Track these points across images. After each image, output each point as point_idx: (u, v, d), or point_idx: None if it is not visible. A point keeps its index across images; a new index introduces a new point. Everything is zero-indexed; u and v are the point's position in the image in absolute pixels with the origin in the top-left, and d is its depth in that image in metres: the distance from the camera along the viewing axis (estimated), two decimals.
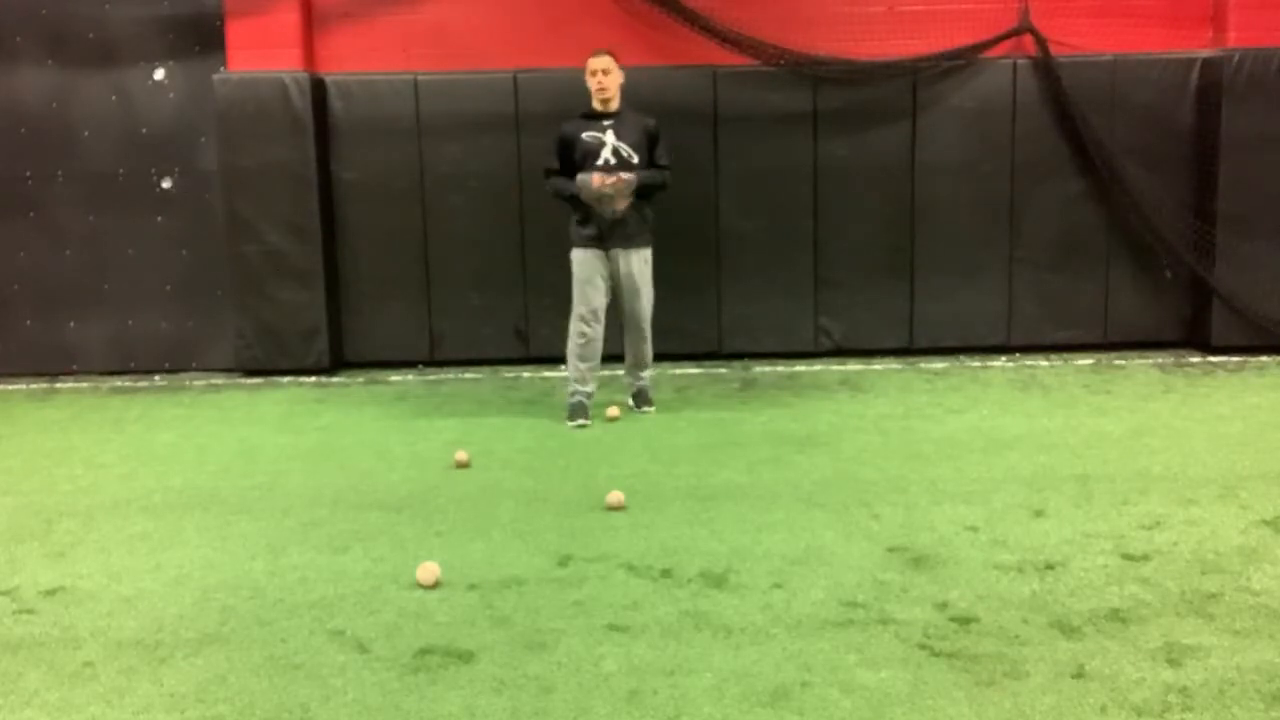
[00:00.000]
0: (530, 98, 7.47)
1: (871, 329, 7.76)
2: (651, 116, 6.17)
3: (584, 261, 6.11)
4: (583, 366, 6.16)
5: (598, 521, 4.33)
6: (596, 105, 6.07)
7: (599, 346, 6.19)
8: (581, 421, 6.03)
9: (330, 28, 7.63)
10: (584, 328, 6.14)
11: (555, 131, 6.15)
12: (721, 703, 2.85)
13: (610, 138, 6.00)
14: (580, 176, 5.94)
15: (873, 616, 3.36)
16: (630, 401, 6.41)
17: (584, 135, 6.02)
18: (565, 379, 7.03)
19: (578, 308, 6.14)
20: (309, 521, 4.43)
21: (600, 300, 6.13)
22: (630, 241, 6.08)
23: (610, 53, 6.06)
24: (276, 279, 7.47)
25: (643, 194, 6.07)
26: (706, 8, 7.39)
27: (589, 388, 6.20)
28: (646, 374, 6.41)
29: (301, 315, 7.52)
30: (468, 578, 3.76)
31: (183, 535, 4.31)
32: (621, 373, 6.86)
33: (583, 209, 6.06)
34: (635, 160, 6.00)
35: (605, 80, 6.00)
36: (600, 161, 5.98)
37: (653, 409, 6.33)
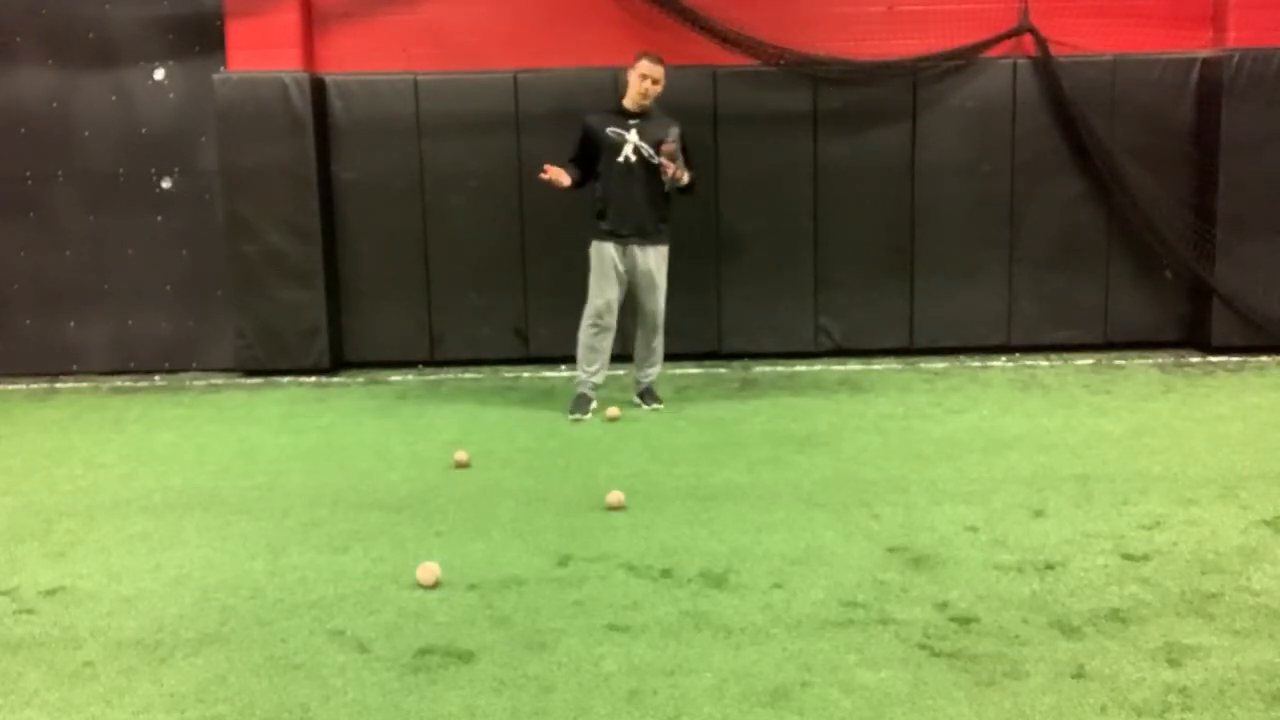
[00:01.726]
0: (530, 98, 7.46)
1: (871, 329, 7.76)
2: (676, 121, 6.21)
3: (600, 254, 6.18)
4: (592, 359, 6.25)
5: (598, 521, 4.33)
6: (630, 104, 6.12)
7: (610, 340, 6.27)
8: (578, 416, 6.10)
9: (330, 28, 7.63)
10: (596, 319, 6.22)
11: (580, 121, 6.20)
12: (721, 703, 2.85)
13: (633, 136, 6.07)
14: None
15: (873, 616, 3.36)
16: (636, 399, 6.43)
17: (608, 130, 6.09)
18: (567, 377, 7.06)
19: (592, 300, 6.22)
20: (309, 521, 4.43)
21: (614, 293, 6.18)
22: (648, 238, 6.16)
23: (662, 61, 6.09)
24: (276, 279, 7.47)
25: (685, 190, 6.17)
26: (706, 8, 7.39)
27: (596, 380, 6.26)
28: (654, 371, 6.44)
29: (301, 315, 7.52)
30: (468, 578, 3.76)
31: (183, 535, 4.32)
32: (623, 373, 6.88)
33: (601, 202, 6.13)
34: (655, 161, 6.05)
35: (654, 89, 6.08)
36: (620, 158, 6.05)
37: (662, 405, 6.35)
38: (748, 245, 7.63)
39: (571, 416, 6.12)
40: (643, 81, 6.06)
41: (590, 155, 6.15)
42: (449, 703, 2.89)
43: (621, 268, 6.17)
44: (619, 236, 6.13)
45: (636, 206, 6.08)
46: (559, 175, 6.04)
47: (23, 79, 7.61)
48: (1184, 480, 4.71)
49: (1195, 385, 6.68)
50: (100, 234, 7.72)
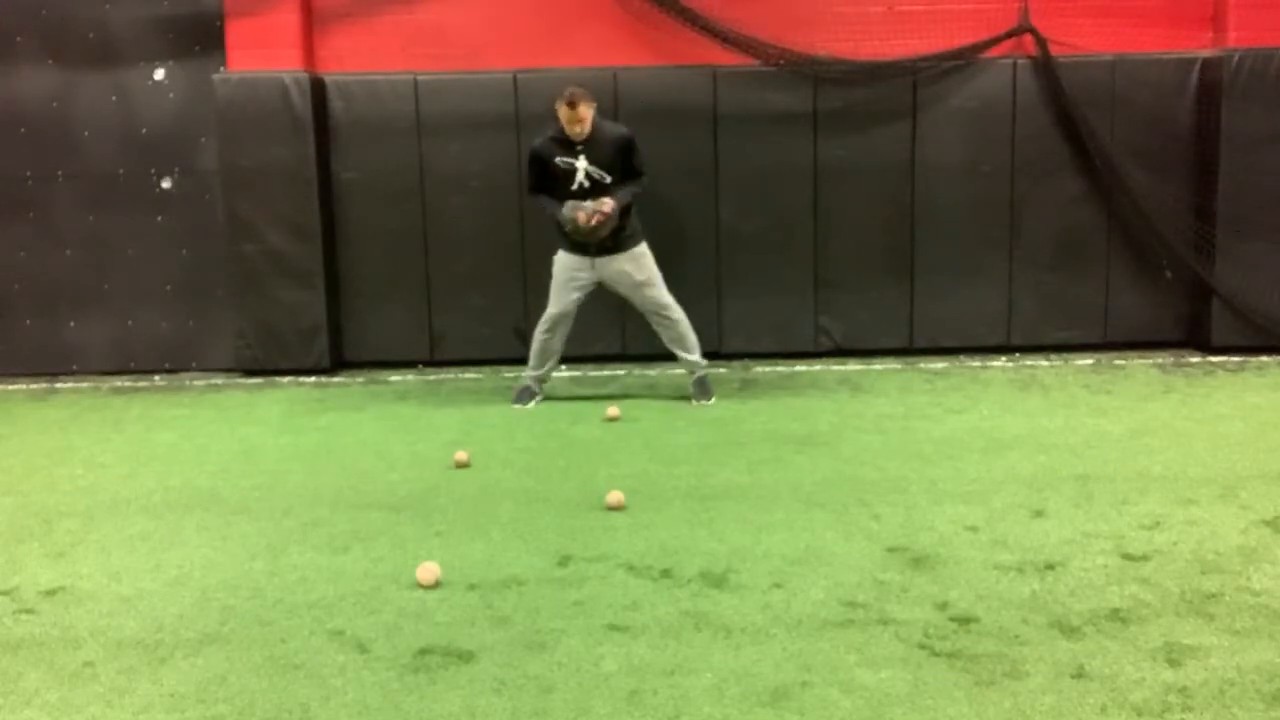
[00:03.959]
0: (530, 98, 7.46)
1: (871, 329, 7.76)
2: (623, 127, 6.25)
3: (563, 265, 6.34)
4: (541, 360, 6.46)
5: (598, 521, 4.33)
6: (570, 135, 6.11)
7: (557, 346, 6.46)
8: (519, 405, 6.39)
9: (330, 28, 7.62)
10: (544, 330, 6.42)
11: (529, 149, 6.27)
12: (721, 703, 2.85)
13: (582, 162, 6.10)
14: (565, 212, 6.06)
15: (873, 616, 3.36)
16: (691, 392, 6.46)
17: (557, 160, 6.13)
18: (566, 377, 7.09)
19: (549, 308, 6.40)
20: (309, 521, 4.43)
21: (566, 306, 6.33)
22: (612, 251, 6.22)
23: (584, 100, 5.98)
24: (276, 279, 7.47)
25: (625, 211, 6.19)
26: (706, 8, 7.39)
27: (539, 372, 6.48)
28: (695, 358, 6.44)
29: (301, 315, 7.52)
30: (468, 578, 3.76)
31: (183, 535, 4.32)
32: (623, 373, 6.90)
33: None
34: (608, 180, 6.10)
35: (580, 128, 6.04)
36: (574, 186, 6.10)
37: (710, 401, 6.38)
38: (748, 245, 7.63)
39: (513, 405, 6.40)
40: (569, 126, 6.04)
41: (547, 180, 6.20)
42: (449, 703, 2.89)
43: (589, 277, 6.28)
44: (585, 252, 6.22)
45: (600, 227, 6.09)
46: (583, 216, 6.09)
47: (23, 79, 7.61)
48: (1184, 480, 4.71)
49: (1195, 385, 6.68)
50: (100, 234, 7.71)
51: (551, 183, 6.18)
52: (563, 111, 6.01)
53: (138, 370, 7.84)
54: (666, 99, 7.32)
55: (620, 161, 6.13)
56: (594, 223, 6.01)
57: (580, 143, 6.09)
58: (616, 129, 6.20)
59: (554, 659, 3.13)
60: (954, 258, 7.66)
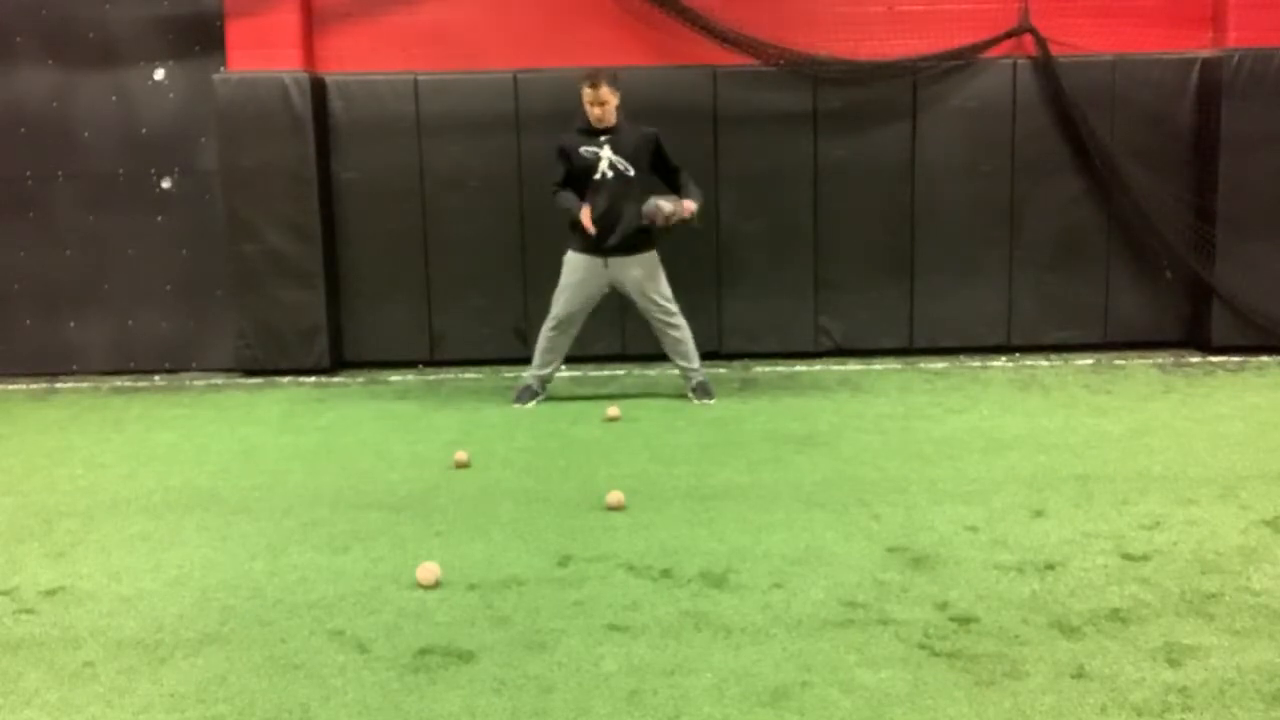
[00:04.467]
0: (530, 98, 7.47)
1: (871, 329, 7.76)
2: (650, 126, 6.23)
3: (574, 267, 6.29)
4: (547, 359, 6.42)
5: (598, 521, 4.33)
6: (594, 123, 6.14)
7: (564, 347, 6.42)
8: (519, 404, 6.36)
9: (330, 28, 7.63)
10: (552, 329, 6.36)
11: (554, 143, 6.28)
12: (721, 703, 2.85)
13: (606, 151, 6.10)
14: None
15: (873, 616, 3.36)
16: (690, 396, 6.45)
17: (581, 150, 6.14)
18: (566, 377, 7.09)
19: (554, 308, 6.34)
20: (309, 521, 4.43)
21: (575, 307, 6.29)
22: (631, 250, 6.19)
23: (606, 80, 6.04)
24: (276, 279, 7.47)
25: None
26: (706, 8, 7.39)
27: (544, 372, 6.44)
28: (694, 366, 6.45)
29: (301, 315, 7.52)
30: (468, 578, 3.76)
31: (183, 535, 4.31)
32: (623, 373, 6.89)
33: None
34: (632, 173, 6.10)
35: (602, 111, 6.07)
36: (598, 175, 6.10)
37: (713, 400, 6.39)
38: (748, 245, 7.63)
39: (514, 405, 6.36)
40: (590, 108, 6.08)
41: (571, 175, 6.20)
42: (449, 703, 2.89)
43: (602, 281, 6.25)
44: (603, 251, 6.18)
45: (620, 220, 6.12)
46: (587, 222, 6.10)
47: (23, 79, 7.61)
48: (1184, 480, 4.71)
49: (1195, 385, 6.68)
50: (100, 234, 7.72)
51: (576, 178, 6.17)
52: (585, 92, 6.05)
53: (138, 370, 7.84)
54: (666, 99, 7.30)
55: (648, 158, 6.16)
56: (686, 215, 6.07)
57: (604, 133, 6.10)
58: (643, 127, 6.21)
59: (554, 659, 3.13)
60: (954, 258, 7.66)
